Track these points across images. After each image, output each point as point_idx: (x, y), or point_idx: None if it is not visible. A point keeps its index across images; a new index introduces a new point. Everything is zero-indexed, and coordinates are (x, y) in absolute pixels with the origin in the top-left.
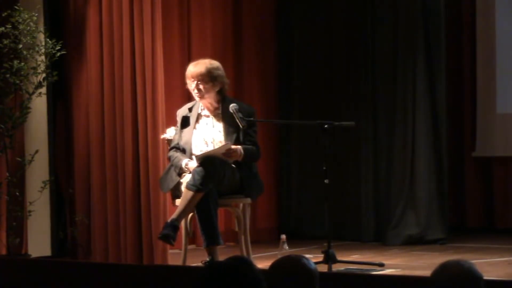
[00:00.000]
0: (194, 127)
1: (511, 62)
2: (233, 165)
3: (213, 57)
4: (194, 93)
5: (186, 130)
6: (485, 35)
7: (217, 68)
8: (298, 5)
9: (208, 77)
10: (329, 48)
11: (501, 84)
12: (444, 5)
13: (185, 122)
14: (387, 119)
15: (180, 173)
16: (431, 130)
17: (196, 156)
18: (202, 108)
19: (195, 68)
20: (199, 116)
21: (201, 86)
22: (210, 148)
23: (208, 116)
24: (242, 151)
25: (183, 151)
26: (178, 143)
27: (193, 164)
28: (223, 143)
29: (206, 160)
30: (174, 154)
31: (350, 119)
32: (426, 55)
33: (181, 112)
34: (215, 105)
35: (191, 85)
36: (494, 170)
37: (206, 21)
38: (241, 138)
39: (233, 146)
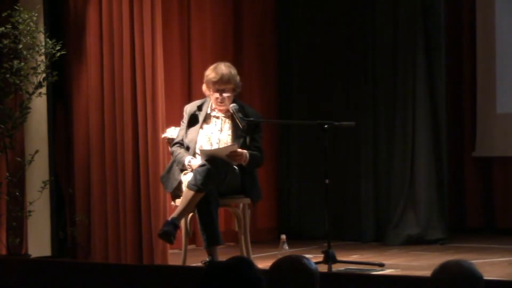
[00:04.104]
0: (201, 127)
1: (511, 62)
2: (235, 167)
3: (213, 57)
4: (217, 101)
5: (192, 128)
6: (485, 35)
7: (237, 75)
8: (298, 5)
9: (234, 89)
10: (329, 48)
11: (501, 84)
12: (444, 5)
13: (193, 120)
14: (387, 119)
15: (182, 169)
16: (431, 130)
17: (202, 151)
18: (213, 108)
19: (223, 78)
20: (208, 116)
21: (225, 95)
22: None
23: (218, 118)
24: (247, 156)
25: (187, 148)
26: (182, 139)
27: (196, 162)
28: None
29: (209, 160)
30: (178, 149)
31: (350, 119)
32: (426, 55)
33: (190, 108)
34: (228, 107)
35: (215, 93)
36: (494, 170)
37: (206, 21)
38: (247, 142)
39: (239, 150)
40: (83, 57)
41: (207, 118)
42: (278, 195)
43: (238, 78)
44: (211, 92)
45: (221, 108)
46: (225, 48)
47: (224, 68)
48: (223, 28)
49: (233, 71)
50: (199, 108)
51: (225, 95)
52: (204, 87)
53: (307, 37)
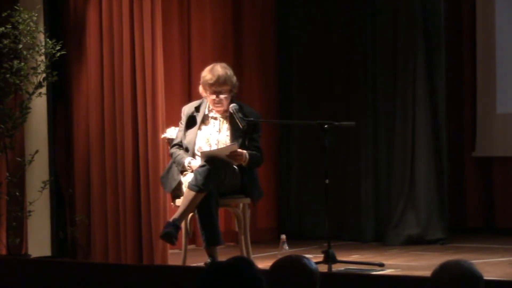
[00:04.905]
0: (199, 128)
1: (511, 62)
2: (235, 167)
3: (213, 57)
4: (214, 103)
5: (191, 130)
6: (485, 35)
7: (233, 75)
8: (298, 5)
9: (231, 90)
10: (329, 48)
11: (501, 84)
12: (444, 5)
13: (191, 121)
14: (387, 119)
15: (182, 171)
16: (431, 130)
17: (202, 153)
18: (210, 109)
19: (219, 80)
20: (206, 117)
21: (222, 97)
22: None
23: (216, 119)
24: (247, 156)
25: (186, 149)
26: (181, 141)
27: (195, 163)
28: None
29: (209, 160)
30: (177, 151)
31: (350, 119)
32: (426, 55)
33: (187, 110)
34: (226, 108)
35: (212, 95)
36: (494, 170)
37: (206, 21)
38: (246, 142)
39: (239, 150)
40: (83, 57)
41: (205, 119)
42: (278, 195)
43: (234, 78)
44: (208, 94)
45: (218, 109)
46: (225, 48)
47: (220, 69)
48: (223, 28)
49: (229, 72)
50: (197, 109)
51: (221, 96)
52: (200, 88)
53: (307, 37)
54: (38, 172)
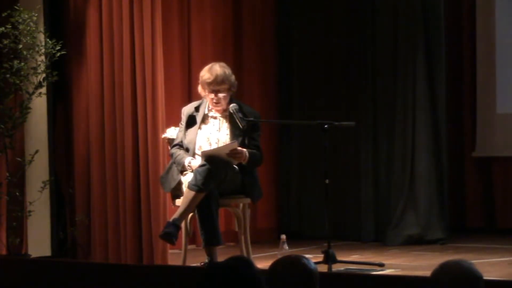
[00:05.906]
0: (200, 127)
1: (511, 62)
2: (235, 166)
3: (213, 57)
4: (213, 102)
5: (191, 129)
6: (485, 35)
7: (231, 74)
8: (298, 5)
9: (229, 89)
10: (329, 48)
11: (501, 84)
12: (444, 5)
13: (191, 121)
14: (387, 119)
15: (182, 170)
16: (431, 130)
17: (202, 152)
18: (210, 108)
19: (217, 79)
20: (205, 117)
21: (221, 96)
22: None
23: (215, 118)
24: (247, 154)
25: (186, 149)
26: (181, 141)
27: (195, 163)
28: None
29: (209, 160)
30: (177, 151)
31: (350, 119)
32: (426, 55)
33: (187, 110)
34: (224, 107)
35: (211, 94)
36: (494, 170)
37: (206, 21)
38: (246, 141)
39: (238, 148)
40: (83, 57)
41: (205, 119)
42: (278, 195)
43: (233, 78)
44: (207, 93)
45: (217, 108)
46: (225, 48)
47: (218, 68)
48: (223, 28)
49: (228, 71)
50: (197, 109)
51: (220, 95)
52: (199, 88)
53: (307, 37)
54: (38, 172)
